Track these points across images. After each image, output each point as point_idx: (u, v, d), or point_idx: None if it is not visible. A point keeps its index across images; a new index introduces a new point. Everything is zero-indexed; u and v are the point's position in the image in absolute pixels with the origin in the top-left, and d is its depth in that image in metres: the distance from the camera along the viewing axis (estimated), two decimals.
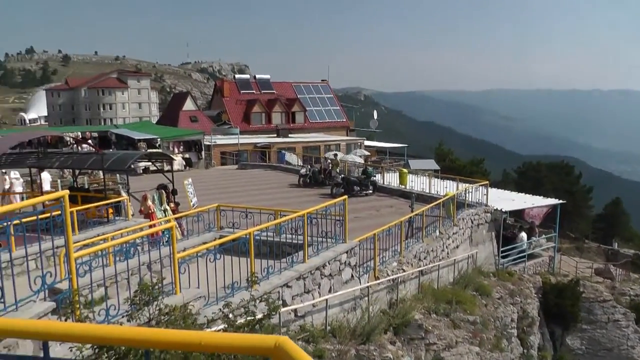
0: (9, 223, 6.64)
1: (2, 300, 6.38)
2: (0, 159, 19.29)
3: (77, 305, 7.09)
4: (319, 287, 12.65)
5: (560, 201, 30.95)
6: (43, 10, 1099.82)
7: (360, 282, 14.51)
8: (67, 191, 7.35)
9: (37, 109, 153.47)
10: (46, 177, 25.18)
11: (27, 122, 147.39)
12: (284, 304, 11.11)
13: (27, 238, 7.28)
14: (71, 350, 5.13)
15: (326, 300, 12.51)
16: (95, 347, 5.39)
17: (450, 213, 22.12)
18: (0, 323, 2.34)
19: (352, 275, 14.13)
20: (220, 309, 8.70)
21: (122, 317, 7.59)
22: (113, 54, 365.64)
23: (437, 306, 16.94)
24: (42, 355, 2.24)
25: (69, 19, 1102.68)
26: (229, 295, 9.91)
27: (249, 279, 10.01)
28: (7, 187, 25.53)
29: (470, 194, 25.76)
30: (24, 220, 7.09)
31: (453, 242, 21.83)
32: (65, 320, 6.82)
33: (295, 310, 11.68)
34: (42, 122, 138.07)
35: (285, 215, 13.65)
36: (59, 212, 7.11)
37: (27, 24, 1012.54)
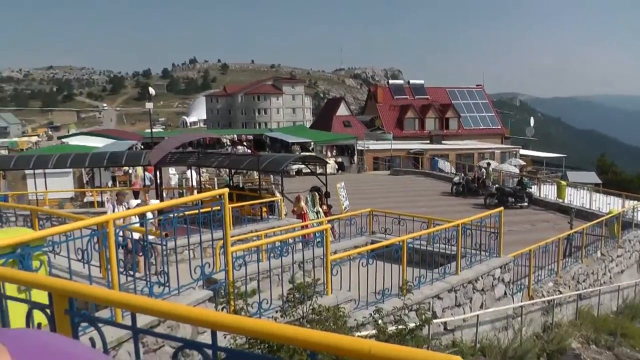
0: (175, 215, 6.98)
1: (167, 284, 6.72)
2: (166, 157, 20.64)
3: (232, 297, 7.36)
4: (470, 302, 12.15)
5: None
6: (205, 23, 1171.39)
7: (513, 300, 13.75)
8: (227, 189, 7.61)
9: (198, 113, 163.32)
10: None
11: (189, 124, 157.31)
12: (434, 316, 10.79)
13: (185, 230, 7.66)
14: (225, 337, 5.24)
15: (477, 316, 11.99)
16: (250, 338, 5.51)
17: (614, 233, 20.30)
18: (172, 307, 2.38)
19: (505, 292, 13.42)
20: (370, 314, 8.62)
21: (276, 312, 7.74)
22: (269, 62, 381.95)
23: (597, 336, 15.40)
24: (209, 342, 2.31)
25: (229, 31, 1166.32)
26: (379, 301, 9.79)
27: (401, 286, 9.82)
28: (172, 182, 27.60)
29: (638, 212, 23.63)
30: (187, 213, 7.44)
31: (617, 265, 20.09)
32: (222, 309, 7.08)
33: (445, 324, 11.29)
34: (202, 125, 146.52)
35: (438, 224, 13.32)
36: (219, 207, 7.36)
37: (191, 37, 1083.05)
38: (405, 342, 7.99)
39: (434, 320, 10.44)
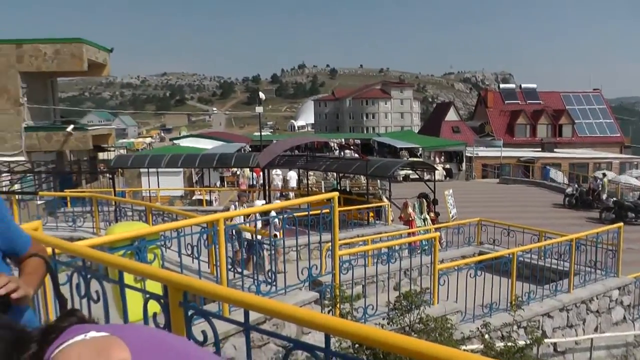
0: (285, 216, 7.06)
1: (274, 283, 6.80)
2: (274, 160, 21.03)
3: (338, 300, 7.34)
4: (583, 323, 11.45)
5: None
6: (314, 29, 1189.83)
7: (634, 327, 12.81)
8: (337, 193, 7.60)
9: (305, 117, 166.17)
10: (293, 175, 27.88)
11: (296, 128, 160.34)
12: (544, 335, 10.27)
13: (294, 232, 7.72)
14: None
15: (591, 339, 11.23)
16: (356, 343, 5.46)
17: None
18: (289, 309, 2.39)
19: (624, 317, 12.53)
20: (478, 328, 8.34)
21: (382, 318, 7.65)
22: (377, 66, 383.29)
23: None
24: (318, 344, 2.28)
25: (338, 36, 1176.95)
26: (486, 315, 9.46)
27: (510, 301, 9.43)
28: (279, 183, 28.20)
29: None
30: (296, 215, 7.50)
31: None
32: (328, 312, 7.08)
33: (555, 344, 10.69)
34: (309, 128, 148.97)
35: (550, 238, 12.75)
36: (328, 211, 7.37)
37: (301, 43, 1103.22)
38: None
39: (545, 340, 9.95)
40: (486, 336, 8.25)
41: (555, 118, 62.73)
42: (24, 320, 2.03)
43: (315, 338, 6.28)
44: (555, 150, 56.67)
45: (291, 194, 26.27)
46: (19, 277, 1.99)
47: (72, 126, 24.72)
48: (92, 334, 1.13)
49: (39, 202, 16.12)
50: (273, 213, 8.51)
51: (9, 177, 18.77)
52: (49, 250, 4.34)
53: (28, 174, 19.32)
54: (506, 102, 65.49)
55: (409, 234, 14.91)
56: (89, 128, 26.43)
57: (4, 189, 16.27)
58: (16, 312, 1.92)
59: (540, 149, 56.46)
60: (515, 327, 8.63)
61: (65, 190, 18.29)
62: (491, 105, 64.85)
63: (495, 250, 13.50)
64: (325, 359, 2.24)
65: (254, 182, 32.00)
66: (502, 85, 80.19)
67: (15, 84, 23.49)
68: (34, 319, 2.16)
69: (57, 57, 23.55)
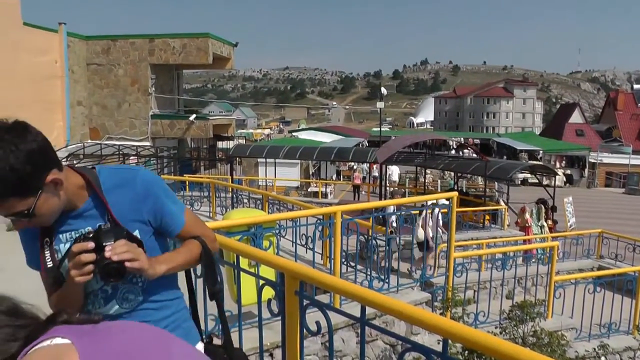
0: (401, 214, 7.02)
1: (387, 280, 6.79)
2: (392, 156, 20.93)
3: (450, 303, 7.21)
4: None
5: None
6: (438, 25, 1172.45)
7: None
8: (456, 193, 7.46)
9: (425, 114, 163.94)
10: (395, 169, 27.53)
11: (415, 125, 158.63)
12: None
13: (409, 230, 7.65)
14: (438, 343, 5.13)
15: None
16: (466, 349, 5.33)
17: None
18: (410, 309, 2.35)
19: None
20: (594, 349, 7.91)
21: (495, 327, 7.44)
22: (501, 63, 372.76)
23: None
24: (433, 347, 2.25)
25: (461, 32, 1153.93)
26: (603, 335, 8.94)
27: (636, 324, 8.85)
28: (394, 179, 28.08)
29: None
30: (413, 212, 7.45)
31: None
32: (441, 314, 6.97)
33: None
34: (428, 126, 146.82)
35: None
36: (446, 211, 7.25)
37: (424, 38, 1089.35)
38: None
39: None
40: (603, 358, 7.82)
41: None
42: (168, 296, 2.14)
43: (425, 339, 6.20)
44: None
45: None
46: None
47: (194, 115, 25.95)
48: (57, 340, 1.16)
49: None
50: (390, 209, 8.54)
51: (135, 160, 19.89)
52: None
53: (152, 159, 20.38)
54: (639, 104, 61.31)
55: (524, 241, 14.39)
56: (210, 118, 27.55)
57: None
58: (138, 282, 2.02)
59: None
60: (639, 353, 8.09)
61: (185, 175, 19.12)
62: (621, 108, 60.95)
63: (617, 266, 12.79)
64: None
65: (366, 175, 32.06)
66: (635, 86, 74.63)
67: (146, 75, 25.06)
68: (181, 300, 2.23)
69: (184, 51, 24.89)
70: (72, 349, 1.14)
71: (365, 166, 31.75)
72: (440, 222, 8.49)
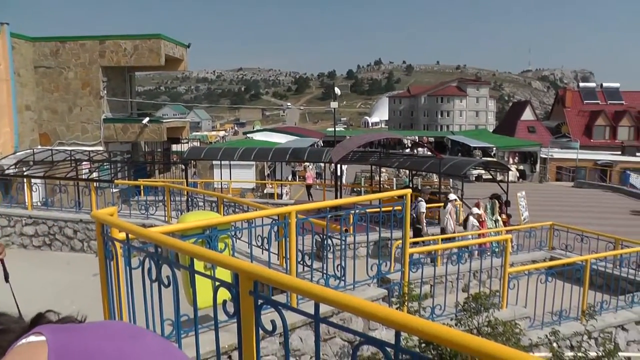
0: (356, 212, 7.06)
1: (343, 278, 6.83)
2: (347, 155, 21.03)
3: (406, 298, 7.30)
4: None
5: None
6: (391, 26, 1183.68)
7: None
8: (410, 190, 7.54)
9: (380, 114, 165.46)
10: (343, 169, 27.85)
11: (370, 124, 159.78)
12: (617, 348, 9.87)
13: (364, 228, 7.72)
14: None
15: None
16: (423, 341, 5.40)
17: None
18: (363, 304, 2.39)
19: None
20: (546, 335, 8.12)
21: (450, 319, 7.57)
22: (454, 63, 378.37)
23: None
24: (387, 340, 2.28)
25: (414, 32, 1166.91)
26: (555, 322, 9.22)
27: (583, 310, 9.12)
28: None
29: None
30: (368, 211, 7.51)
31: None
32: (397, 309, 7.04)
33: (629, 359, 10.30)
34: (383, 125, 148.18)
35: (627, 247, 12.27)
36: (400, 208, 7.33)
37: (378, 39, 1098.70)
38: None
39: (619, 354, 9.56)
40: (554, 344, 8.02)
41: (639, 120, 59.78)
42: None
43: (382, 334, 6.26)
44: (637, 154, 54.01)
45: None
46: None
47: (147, 118, 25.60)
48: (31, 338, 1.18)
49: (114, 190, 16.77)
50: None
51: (88, 166, 19.54)
52: (123, 235, 4.53)
53: (105, 163, 20.06)
54: (585, 101, 62.86)
55: (479, 235, 14.65)
56: (164, 120, 27.26)
57: (84, 176, 16.95)
58: None
59: (620, 153, 53.97)
60: (586, 338, 8.33)
61: (139, 180, 18.89)
62: (569, 105, 62.38)
63: (567, 257, 13.14)
64: (394, 356, 2.22)
65: (321, 172, 32.17)
66: (581, 84, 76.56)
67: (97, 78, 24.62)
68: None
69: (136, 52, 24.51)
70: (43, 344, 1.16)
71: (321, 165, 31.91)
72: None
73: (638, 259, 11.76)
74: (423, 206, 15.18)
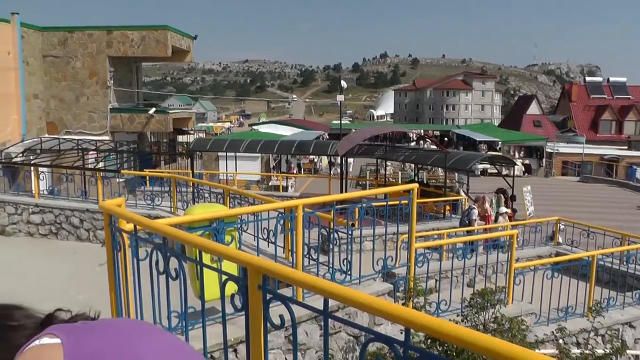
0: (362, 206, 7.04)
1: (349, 272, 6.81)
2: (353, 148, 21.00)
3: (412, 293, 7.28)
4: None
5: None
6: (398, 18, 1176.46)
7: None
8: (417, 184, 7.51)
9: (385, 107, 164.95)
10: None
11: (375, 118, 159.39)
12: (624, 346, 9.81)
13: (370, 222, 7.69)
14: (401, 332, 5.20)
15: None
16: (429, 337, 5.40)
17: None
18: (373, 300, 2.35)
19: None
20: (552, 332, 8.09)
21: (457, 315, 7.54)
22: (460, 57, 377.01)
23: None
24: (396, 337, 2.26)
25: (421, 25, 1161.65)
26: (561, 319, 9.16)
27: (589, 307, 9.07)
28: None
29: None
30: (375, 205, 7.48)
31: None
32: (402, 305, 7.02)
33: (637, 357, 10.16)
34: (389, 118, 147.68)
35: (634, 242, 12.21)
36: (406, 202, 7.30)
37: (384, 32, 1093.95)
38: None
39: (627, 352, 9.50)
40: (561, 341, 8.00)
41: None
42: None
43: (388, 329, 6.25)
44: None
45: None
46: None
47: (153, 109, 25.63)
48: (45, 340, 1.20)
49: (120, 180, 16.80)
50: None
51: (95, 155, 19.58)
52: (130, 226, 4.52)
53: (111, 153, 20.09)
54: (591, 96, 62.67)
55: (485, 230, 14.62)
56: (170, 111, 27.26)
57: (90, 166, 16.98)
58: None
59: (626, 147, 53.70)
60: (592, 334, 8.30)
61: (145, 170, 18.90)
62: (575, 99, 62.18)
63: (573, 252, 13.09)
64: (403, 353, 2.21)
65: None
66: (587, 79, 76.07)
67: (104, 67, 24.64)
68: None
69: (143, 43, 24.56)
70: (59, 347, 1.18)
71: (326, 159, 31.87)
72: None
73: None
74: (475, 214, 15.36)
